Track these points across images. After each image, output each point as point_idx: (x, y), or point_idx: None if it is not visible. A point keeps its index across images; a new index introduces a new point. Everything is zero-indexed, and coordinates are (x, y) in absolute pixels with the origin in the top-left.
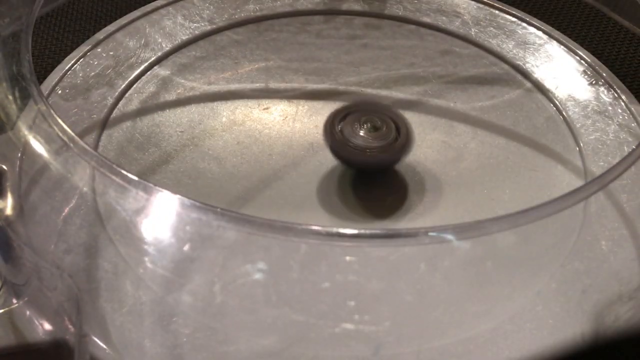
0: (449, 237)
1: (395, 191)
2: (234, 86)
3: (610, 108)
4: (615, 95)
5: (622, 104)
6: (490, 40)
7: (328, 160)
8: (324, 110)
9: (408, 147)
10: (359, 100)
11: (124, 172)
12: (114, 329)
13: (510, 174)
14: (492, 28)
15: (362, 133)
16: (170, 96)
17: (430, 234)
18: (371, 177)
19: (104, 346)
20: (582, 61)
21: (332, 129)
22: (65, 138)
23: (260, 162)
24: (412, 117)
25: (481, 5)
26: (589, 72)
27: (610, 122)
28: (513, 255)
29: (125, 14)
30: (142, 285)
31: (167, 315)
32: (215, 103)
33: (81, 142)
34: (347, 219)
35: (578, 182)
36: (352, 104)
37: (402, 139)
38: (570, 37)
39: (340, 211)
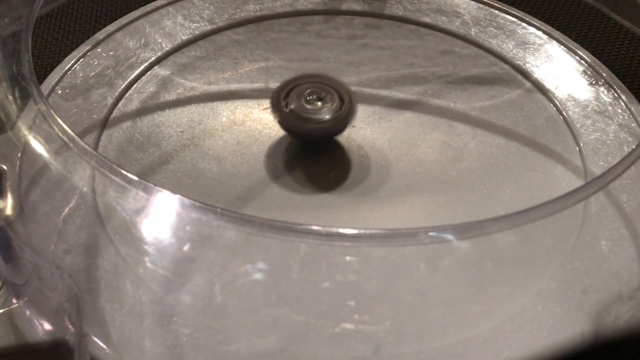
0: (449, 237)
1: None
2: (234, 86)
3: (610, 108)
4: (615, 95)
5: (622, 104)
6: (490, 40)
7: (328, 160)
8: None
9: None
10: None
11: (124, 172)
12: (114, 329)
13: (510, 174)
14: (492, 28)
15: (307, 105)
16: (170, 96)
17: (431, 234)
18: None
19: (104, 346)
20: (582, 61)
21: (279, 103)
22: (65, 138)
23: (260, 162)
24: (412, 117)
25: (481, 5)
26: (589, 72)
27: (610, 122)
28: (513, 255)
29: (125, 14)
30: (142, 285)
31: (167, 315)
32: (215, 103)
33: (81, 142)
34: (348, 219)
35: (578, 182)
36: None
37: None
38: (570, 37)
39: (340, 210)
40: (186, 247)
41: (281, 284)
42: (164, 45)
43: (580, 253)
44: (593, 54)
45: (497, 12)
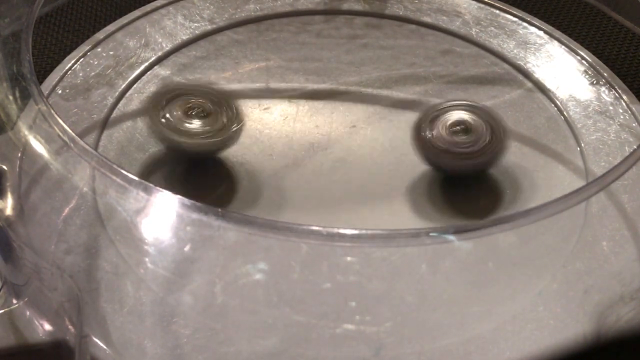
0: (450, 237)
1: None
2: (234, 86)
3: (611, 108)
4: (617, 95)
5: (623, 104)
6: (491, 40)
7: (329, 161)
8: (324, 110)
9: (503, 147)
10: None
11: (124, 172)
12: (115, 330)
13: (511, 174)
14: (493, 28)
15: (449, 136)
16: None
17: (432, 234)
18: None
19: (105, 347)
20: (583, 61)
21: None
22: (65, 138)
23: (260, 162)
24: (412, 117)
25: (482, 5)
26: (590, 72)
27: (611, 122)
28: (514, 255)
29: (125, 13)
30: (142, 285)
31: (168, 316)
32: None
33: (81, 142)
34: (349, 220)
35: (579, 183)
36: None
37: (495, 140)
38: (571, 37)
39: (341, 211)
40: (187, 248)
41: (282, 285)
42: (164, 45)
43: (581, 253)
44: (594, 54)
45: (498, 12)
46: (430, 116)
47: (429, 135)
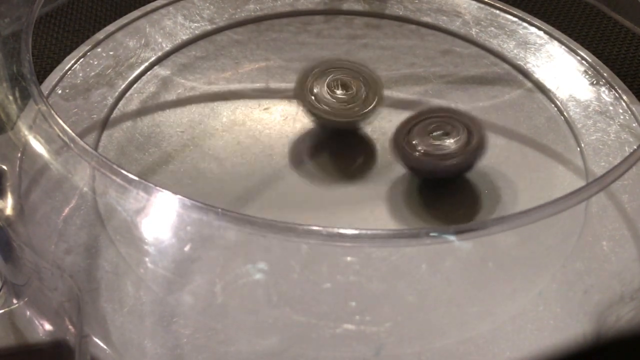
0: (450, 237)
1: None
2: (234, 86)
3: (611, 108)
4: (617, 95)
5: (624, 104)
6: (491, 40)
7: (329, 160)
8: None
9: (480, 150)
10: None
11: (124, 172)
12: (115, 330)
13: (511, 174)
14: (493, 28)
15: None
16: (171, 96)
17: (432, 234)
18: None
19: (105, 346)
20: (583, 61)
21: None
22: (65, 138)
23: (261, 162)
24: None
25: (482, 5)
26: (590, 72)
27: (611, 122)
28: (514, 255)
29: (125, 14)
30: (142, 285)
31: (168, 316)
32: (216, 103)
33: (81, 142)
34: (349, 219)
35: (579, 183)
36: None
37: (474, 142)
38: (571, 37)
39: (341, 211)
40: (187, 248)
41: (282, 285)
42: (164, 45)
43: (581, 253)
44: (594, 54)
45: (498, 12)
46: (410, 123)
47: (406, 141)
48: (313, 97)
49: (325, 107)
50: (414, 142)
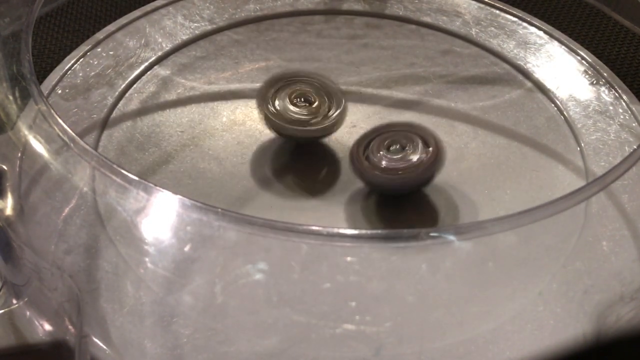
0: (451, 237)
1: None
2: (234, 86)
3: (611, 108)
4: (617, 95)
5: (623, 103)
6: (491, 40)
7: (329, 161)
8: None
9: (437, 164)
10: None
11: (124, 172)
12: (115, 330)
13: (511, 174)
14: (492, 28)
15: (386, 154)
16: (171, 96)
17: (432, 234)
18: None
19: (105, 347)
20: (583, 61)
21: (359, 156)
22: (65, 138)
23: (261, 162)
24: (412, 117)
25: (482, 5)
26: (589, 72)
27: (611, 122)
28: (514, 255)
29: (125, 13)
30: (142, 285)
31: (168, 316)
32: (216, 103)
33: (81, 142)
34: (349, 219)
35: (579, 183)
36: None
37: (431, 157)
38: (571, 37)
39: (340, 211)
40: (187, 248)
41: (282, 285)
42: (164, 45)
43: (581, 253)
44: (594, 54)
45: (497, 12)
46: (368, 138)
47: (365, 156)
48: (274, 110)
49: (288, 119)
50: (371, 156)
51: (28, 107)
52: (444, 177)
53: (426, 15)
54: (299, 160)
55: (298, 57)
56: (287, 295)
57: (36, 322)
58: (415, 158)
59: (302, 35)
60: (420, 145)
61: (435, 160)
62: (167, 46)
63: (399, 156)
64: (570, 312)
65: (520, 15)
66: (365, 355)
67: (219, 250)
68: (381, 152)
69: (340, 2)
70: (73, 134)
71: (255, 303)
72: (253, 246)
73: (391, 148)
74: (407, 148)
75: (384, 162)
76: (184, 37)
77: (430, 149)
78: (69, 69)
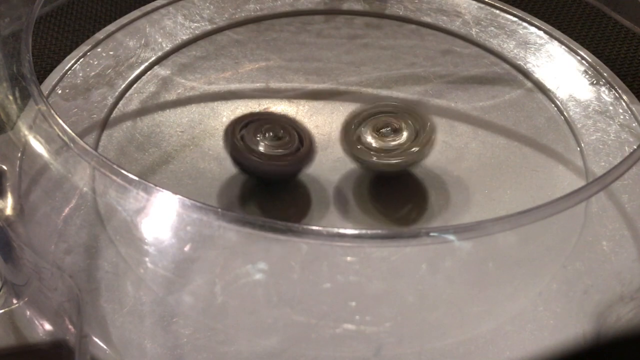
0: (451, 237)
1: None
2: (234, 86)
3: (611, 108)
4: (617, 95)
5: (624, 104)
6: (491, 40)
7: (329, 160)
8: (324, 110)
9: (310, 157)
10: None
11: (124, 172)
12: (115, 330)
13: (511, 174)
14: (493, 28)
15: (264, 141)
16: (171, 96)
17: (432, 234)
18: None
19: (105, 346)
20: (583, 61)
21: (234, 136)
22: (65, 138)
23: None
24: None
25: (482, 5)
26: (590, 72)
27: (611, 122)
28: (514, 255)
29: (125, 13)
30: (142, 285)
31: (168, 316)
32: (216, 103)
33: (81, 142)
34: (351, 217)
35: (579, 183)
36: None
37: (304, 149)
38: (571, 37)
39: (343, 210)
40: (187, 248)
41: (282, 285)
42: (164, 45)
43: (581, 253)
44: (594, 54)
45: (498, 12)
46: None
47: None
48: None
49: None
50: (251, 145)
51: (28, 107)
52: (444, 176)
53: (426, 15)
54: None
55: (298, 57)
56: (287, 295)
57: (36, 322)
58: (287, 151)
59: (302, 35)
60: (294, 137)
61: (304, 158)
62: (167, 46)
63: (274, 144)
64: (570, 312)
65: (520, 15)
66: (365, 355)
67: (219, 250)
68: (258, 137)
69: (340, 2)
70: (73, 134)
71: (255, 303)
72: (253, 246)
73: (268, 135)
74: (283, 139)
75: (260, 147)
76: (184, 37)
77: (304, 142)
78: (69, 69)
